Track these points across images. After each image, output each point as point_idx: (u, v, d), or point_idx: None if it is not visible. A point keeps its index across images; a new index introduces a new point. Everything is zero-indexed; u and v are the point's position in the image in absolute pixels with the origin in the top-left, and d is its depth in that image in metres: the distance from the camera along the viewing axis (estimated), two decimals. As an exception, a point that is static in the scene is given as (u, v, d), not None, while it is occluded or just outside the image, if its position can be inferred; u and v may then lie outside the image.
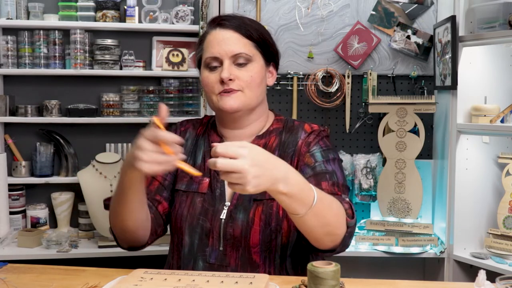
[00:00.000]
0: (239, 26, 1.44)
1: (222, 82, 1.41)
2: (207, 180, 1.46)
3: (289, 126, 1.52)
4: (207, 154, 1.50)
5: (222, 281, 1.19)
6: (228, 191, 1.44)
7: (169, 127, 1.57)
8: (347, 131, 2.70)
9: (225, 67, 1.40)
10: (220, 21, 1.45)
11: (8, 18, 2.52)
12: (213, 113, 1.55)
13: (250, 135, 1.50)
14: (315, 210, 1.20)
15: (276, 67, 1.55)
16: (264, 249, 1.40)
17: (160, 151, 1.14)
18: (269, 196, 1.38)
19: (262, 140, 1.49)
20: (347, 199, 1.37)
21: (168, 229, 1.53)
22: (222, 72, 1.40)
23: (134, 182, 1.26)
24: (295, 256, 1.46)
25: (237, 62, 1.42)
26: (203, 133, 1.55)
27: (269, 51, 1.49)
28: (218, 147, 1.09)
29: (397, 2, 2.66)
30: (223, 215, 1.41)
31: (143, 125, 2.61)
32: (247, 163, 1.08)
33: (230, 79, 1.40)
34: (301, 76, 2.67)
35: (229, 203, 1.42)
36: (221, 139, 1.51)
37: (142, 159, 1.14)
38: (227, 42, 1.42)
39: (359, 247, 2.50)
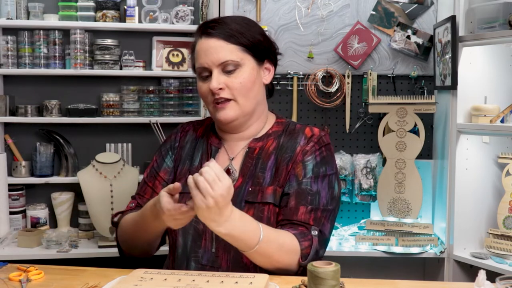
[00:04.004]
0: (223, 32, 1.42)
1: (213, 92, 1.41)
2: None
3: (289, 130, 1.51)
4: (204, 156, 1.50)
5: (222, 281, 1.19)
6: None
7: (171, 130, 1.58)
8: (347, 131, 2.70)
9: (213, 77, 1.41)
10: (205, 30, 1.44)
11: (8, 18, 2.52)
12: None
13: (248, 137, 1.50)
14: (260, 250, 1.27)
15: (274, 61, 1.53)
16: None
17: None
18: (261, 200, 1.41)
19: (259, 143, 1.48)
20: (315, 232, 1.37)
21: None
22: (210, 83, 1.41)
23: (163, 227, 1.37)
24: None
25: (226, 69, 1.41)
26: (202, 135, 1.55)
27: (259, 50, 1.46)
28: (209, 169, 1.19)
29: (397, 2, 2.66)
30: None
31: (143, 125, 2.64)
32: (213, 202, 1.18)
33: (220, 88, 1.41)
34: (301, 76, 2.67)
35: None
36: (220, 141, 1.52)
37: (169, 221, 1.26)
38: (212, 51, 1.41)
39: (359, 247, 2.50)
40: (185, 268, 1.43)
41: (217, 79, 1.40)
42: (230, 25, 1.44)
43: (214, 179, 1.17)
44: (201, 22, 1.51)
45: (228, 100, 1.42)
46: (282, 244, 1.32)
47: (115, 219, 1.52)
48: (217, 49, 1.41)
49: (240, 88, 1.42)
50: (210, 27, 1.43)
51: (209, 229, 1.38)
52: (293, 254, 1.34)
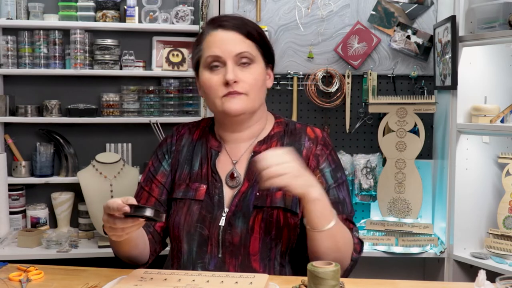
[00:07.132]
0: (240, 26, 1.42)
1: (226, 84, 1.38)
2: (204, 187, 1.44)
3: (290, 130, 1.50)
4: (204, 160, 1.48)
5: (222, 281, 1.19)
6: (226, 198, 1.42)
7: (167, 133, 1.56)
8: (347, 131, 2.70)
9: (229, 68, 1.37)
10: (221, 22, 1.43)
11: (8, 18, 2.52)
12: (212, 115, 1.53)
13: (249, 137, 1.48)
14: (333, 230, 1.28)
15: (273, 69, 1.53)
16: (264, 256, 1.38)
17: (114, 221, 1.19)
18: (270, 204, 1.39)
19: (263, 146, 1.46)
20: (357, 234, 1.43)
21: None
22: (226, 74, 1.37)
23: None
24: (294, 263, 1.45)
25: (241, 62, 1.39)
26: (199, 138, 1.53)
27: (269, 52, 1.48)
28: (263, 159, 1.22)
29: (397, 2, 2.66)
30: (221, 222, 1.39)
31: (143, 125, 2.64)
32: (293, 166, 1.23)
33: (235, 81, 1.38)
34: (301, 76, 2.67)
35: (227, 210, 1.40)
36: (219, 144, 1.49)
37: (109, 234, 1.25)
38: (229, 42, 1.39)
39: (359, 247, 2.50)
40: None
41: (233, 71, 1.38)
42: (246, 21, 1.44)
43: (278, 159, 1.23)
44: (210, 18, 1.49)
45: (240, 93, 1.39)
46: (345, 230, 1.35)
47: None
48: (235, 41, 1.40)
49: (254, 84, 1.40)
50: (226, 20, 1.43)
51: (216, 233, 1.38)
52: (351, 245, 1.37)
